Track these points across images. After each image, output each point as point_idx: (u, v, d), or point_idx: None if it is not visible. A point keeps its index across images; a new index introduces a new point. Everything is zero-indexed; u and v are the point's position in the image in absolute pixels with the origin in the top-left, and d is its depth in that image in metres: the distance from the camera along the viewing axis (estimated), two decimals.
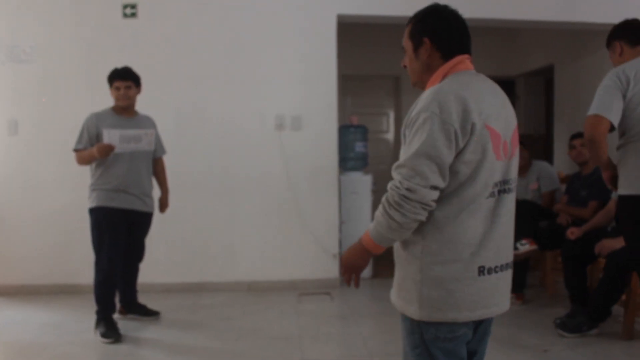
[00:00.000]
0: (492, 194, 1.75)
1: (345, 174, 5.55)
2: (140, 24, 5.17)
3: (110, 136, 3.88)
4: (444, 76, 1.81)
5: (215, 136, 5.23)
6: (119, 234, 4.04)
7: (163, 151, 4.40)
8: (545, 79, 8.47)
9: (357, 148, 5.58)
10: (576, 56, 6.79)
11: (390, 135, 8.71)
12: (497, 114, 1.78)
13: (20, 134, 5.20)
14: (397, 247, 1.87)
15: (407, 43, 1.92)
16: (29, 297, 5.01)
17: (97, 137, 3.98)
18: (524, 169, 5.16)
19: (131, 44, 5.16)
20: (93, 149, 3.88)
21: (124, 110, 4.10)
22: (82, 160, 4.00)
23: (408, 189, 1.65)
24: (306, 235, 5.27)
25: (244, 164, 5.24)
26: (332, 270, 5.32)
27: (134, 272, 4.35)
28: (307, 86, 5.25)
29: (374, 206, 5.69)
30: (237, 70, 5.23)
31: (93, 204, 4.02)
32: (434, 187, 1.66)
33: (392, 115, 8.79)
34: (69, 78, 5.18)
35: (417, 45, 1.88)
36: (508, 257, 1.84)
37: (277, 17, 5.24)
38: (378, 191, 6.06)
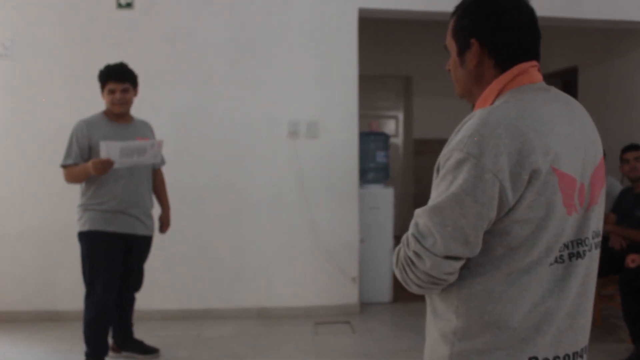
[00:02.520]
0: (558, 260, 1.28)
1: (365, 186, 4.99)
2: (137, 15, 4.57)
3: (109, 149, 3.23)
4: (499, 93, 1.34)
5: (221, 145, 4.65)
6: (116, 264, 3.46)
7: (162, 161, 3.81)
8: (563, 81, 7.97)
9: (378, 158, 5.02)
10: (603, 58, 6.28)
11: (399, 140, 8.18)
12: (573, 149, 1.29)
13: None
14: (427, 307, 1.42)
15: (450, 42, 1.43)
16: (5, 326, 4.42)
17: (90, 150, 3.38)
18: None
19: (126, 38, 4.56)
20: (87, 165, 3.27)
21: (119, 116, 3.50)
22: (74, 178, 3.39)
23: (415, 253, 1.27)
24: (322, 256, 4.71)
25: (253, 176, 4.67)
26: (351, 295, 4.76)
27: (130, 303, 3.76)
28: (325, 89, 4.68)
29: (397, 223, 5.14)
30: (246, 70, 4.65)
31: (85, 227, 3.41)
32: (453, 258, 1.24)
33: (401, 118, 8.26)
34: (52, 77, 4.58)
35: (462, 48, 1.40)
36: (577, 343, 1.32)
37: (291, 10, 4.67)
38: (401, 206, 5.51)
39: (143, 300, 4.08)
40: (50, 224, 4.50)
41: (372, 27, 5.91)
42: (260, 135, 4.66)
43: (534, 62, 1.37)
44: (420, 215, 1.28)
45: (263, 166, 4.67)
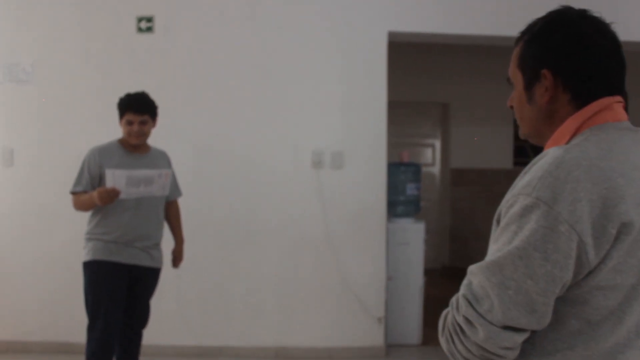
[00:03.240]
0: None
1: (393, 220, 4.70)
2: (157, 40, 4.44)
3: (115, 178, 3.14)
4: (576, 132, 1.12)
5: (241, 174, 4.44)
6: (120, 295, 3.29)
7: (179, 193, 3.64)
8: None
9: (408, 190, 4.73)
10: None
11: (436, 169, 7.86)
12: None
13: (16, 165, 4.51)
14: None
15: (514, 74, 1.21)
16: (19, 357, 4.27)
17: (100, 178, 3.26)
18: None
19: (146, 63, 4.43)
20: (94, 194, 3.16)
21: (135, 146, 3.37)
22: (81, 206, 3.29)
23: (466, 319, 1.04)
24: (346, 294, 4.42)
25: (274, 207, 4.43)
26: (376, 336, 4.45)
27: (137, 340, 3.53)
28: (351, 116, 4.44)
29: (427, 259, 4.82)
30: (268, 96, 4.45)
31: (88, 257, 3.28)
32: (513, 329, 1.01)
33: (438, 146, 7.95)
34: (74, 101, 4.49)
35: (531, 80, 1.19)
36: None
37: (316, 34, 4.46)
38: (435, 240, 5.19)
39: (154, 334, 3.84)
40: (69, 252, 4.31)
41: (407, 51, 5.68)
42: (282, 164, 4.44)
43: (619, 97, 1.14)
44: (474, 273, 1.05)
45: (285, 198, 4.43)
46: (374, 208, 4.43)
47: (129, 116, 3.27)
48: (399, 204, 4.74)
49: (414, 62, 6.90)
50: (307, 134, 4.44)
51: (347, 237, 4.43)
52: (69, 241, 4.23)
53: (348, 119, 4.44)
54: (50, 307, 4.43)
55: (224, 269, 4.44)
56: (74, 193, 3.30)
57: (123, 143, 3.36)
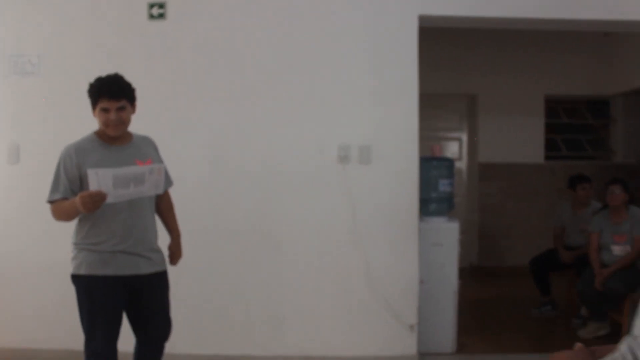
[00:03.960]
0: None
1: (425, 219, 4.36)
2: (170, 27, 4.13)
3: (99, 179, 2.64)
4: None
5: (260, 170, 4.13)
6: (117, 311, 2.93)
7: (169, 182, 3.19)
8: None
9: (441, 187, 4.38)
10: None
11: (462, 164, 7.51)
12: None
13: (22, 161, 4.24)
14: None
15: None
16: None
17: (81, 181, 2.82)
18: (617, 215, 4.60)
19: (158, 51, 4.13)
20: (75, 200, 2.70)
21: (115, 138, 2.93)
22: (62, 215, 2.85)
23: None
24: (376, 299, 4.10)
25: (297, 207, 4.12)
26: (408, 344, 4.12)
27: (158, 356, 3.15)
28: (380, 108, 4.12)
29: (461, 260, 4.48)
30: (290, 86, 4.13)
31: (80, 270, 2.89)
32: None
33: (465, 139, 7.61)
34: (82, 93, 4.06)
35: None
36: None
37: (341, 19, 4.13)
38: (465, 241, 4.86)
39: (169, 342, 3.50)
40: None
41: (432, 41, 5.34)
42: (305, 160, 4.12)
43: None
44: None
45: (308, 196, 4.11)
46: (405, 206, 4.10)
47: (103, 103, 2.82)
48: (431, 202, 4.39)
49: (439, 52, 6.56)
50: (332, 127, 4.11)
51: (376, 238, 4.11)
52: None
53: (376, 110, 4.11)
54: (58, 314, 4.13)
55: (244, 273, 4.13)
56: (51, 202, 2.87)
57: (100, 135, 2.93)
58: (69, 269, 4.00)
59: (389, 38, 4.10)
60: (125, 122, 2.90)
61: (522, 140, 7.20)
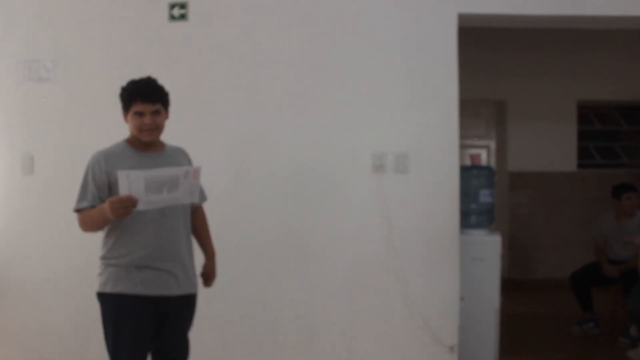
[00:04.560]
0: None
1: (465, 232, 4.08)
2: (192, 29, 3.89)
3: (130, 181, 2.44)
4: None
5: (288, 181, 3.87)
6: (145, 331, 2.69)
7: (203, 197, 2.98)
8: None
9: (481, 197, 4.11)
10: None
11: None
12: None
13: (36, 173, 4.02)
14: None
15: None
16: None
17: (110, 188, 2.63)
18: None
19: (179, 55, 3.90)
20: (104, 206, 2.51)
21: (148, 144, 2.74)
22: (90, 224, 2.67)
23: None
24: (412, 318, 3.82)
25: (328, 219, 3.85)
26: None
27: None
28: (417, 113, 3.85)
29: (504, 277, 4.19)
30: (320, 91, 3.87)
31: (105, 288, 2.68)
32: None
33: (493, 147, 7.34)
34: (100, 100, 3.97)
35: None
36: None
37: (374, 18, 3.87)
38: (507, 256, 4.57)
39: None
40: (95, 268, 3.81)
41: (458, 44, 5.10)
42: (337, 169, 3.85)
43: None
44: None
45: (341, 208, 3.85)
46: (445, 218, 3.82)
47: (137, 107, 2.65)
48: (471, 214, 4.12)
49: (466, 55, 6.26)
50: (366, 134, 3.84)
51: (414, 253, 3.83)
52: (96, 256, 3.68)
53: (413, 115, 3.84)
54: (77, 328, 3.94)
55: (271, 291, 3.87)
56: (78, 211, 2.68)
57: (132, 142, 2.74)
58: (87, 279, 3.79)
59: (426, 38, 3.84)
60: (159, 127, 2.72)
61: (553, 148, 6.93)
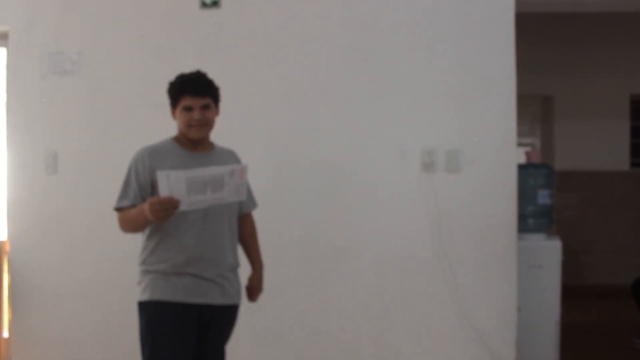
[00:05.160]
0: None
1: (522, 237, 3.74)
2: (225, 16, 3.64)
3: (171, 182, 2.24)
4: None
5: (329, 182, 3.59)
6: (186, 345, 2.46)
7: (254, 204, 2.78)
8: None
9: (539, 199, 3.77)
10: None
11: None
12: None
13: (60, 172, 3.79)
14: None
15: None
16: None
17: (152, 188, 2.43)
18: None
19: (212, 44, 3.65)
20: (144, 207, 2.31)
21: (197, 142, 2.54)
22: (129, 225, 2.48)
23: None
24: (465, 330, 3.50)
25: (373, 222, 3.56)
26: None
27: None
28: (470, 106, 3.52)
29: (565, 287, 3.84)
30: (364, 82, 3.58)
31: (145, 297, 2.48)
32: None
33: (539, 145, 6.96)
34: (128, 94, 3.76)
35: None
36: None
37: (424, 4, 3.56)
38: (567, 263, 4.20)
39: None
40: (126, 271, 3.49)
41: None
42: (383, 167, 3.56)
43: None
44: None
45: (387, 209, 3.54)
46: (501, 221, 3.49)
47: (186, 101, 2.46)
48: (527, 216, 3.78)
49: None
50: (414, 129, 3.54)
51: (467, 259, 3.51)
52: (122, 259, 3.46)
53: (466, 109, 3.52)
54: (104, 334, 3.72)
55: (312, 300, 3.59)
56: (119, 209, 2.50)
57: (180, 140, 2.55)
58: (113, 283, 3.65)
59: (481, 25, 3.51)
60: (209, 123, 2.53)
61: (604, 146, 6.56)
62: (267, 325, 3.56)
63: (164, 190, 2.24)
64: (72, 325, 3.74)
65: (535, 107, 6.91)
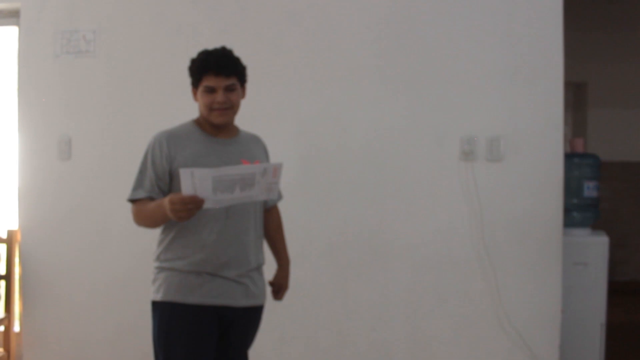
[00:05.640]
0: None
1: (565, 231, 3.46)
2: None
3: (195, 181, 1.98)
4: None
5: (362, 168, 3.34)
6: (204, 349, 2.22)
7: (279, 196, 2.52)
8: None
9: (585, 191, 3.51)
10: None
11: None
12: None
13: (74, 158, 3.60)
14: None
15: None
16: None
17: (172, 177, 2.20)
18: None
19: (237, 21, 3.40)
20: (164, 204, 2.05)
21: (220, 127, 2.29)
22: (145, 220, 2.23)
23: None
24: (506, 332, 3.25)
25: (408, 216, 3.31)
26: None
27: None
28: (514, 90, 3.25)
29: (611, 286, 3.58)
30: (400, 63, 3.31)
31: (159, 296, 2.24)
32: None
33: (569, 133, 6.65)
34: (146, 75, 3.55)
35: None
36: None
37: None
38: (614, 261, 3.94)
39: None
40: (144, 268, 3.31)
41: None
42: (419, 156, 3.30)
43: None
44: None
45: (423, 201, 3.29)
46: (546, 215, 3.22)
47: (209, 80, 2.19)
48: (572, 210, 3.51)
49: None
50: (453, 115, 3.27)
51: (509, 255, 3.25)
52: (140, 254, 3.24)
53: (509, 93, 3.25)
54: (118, 334, 3.53)
55: (341, 299, 3.36)
56: (133, 201, 2.24)
57: (201, 124, 2.30)
58: (130, 282, 3.43)
59: (526, 2, 3.23)
60: (234, 107, 2.26)
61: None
62: (293, 326, 3.34)
63: (187, 189, 1.98)
64: (85, 322, 3.57)
65: (567, 94, 6.58)
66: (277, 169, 2.11)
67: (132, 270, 3.44)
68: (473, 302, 3.27)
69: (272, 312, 2.80)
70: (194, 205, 1.99)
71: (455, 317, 3.28)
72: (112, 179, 3.50)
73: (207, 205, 2.01)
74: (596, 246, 3.48)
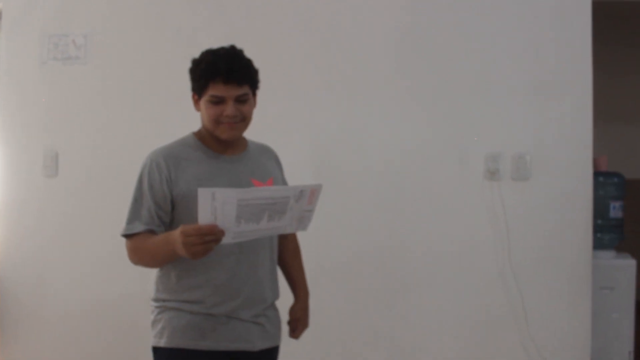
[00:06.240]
0: None
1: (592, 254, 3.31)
2: None
3: (216, 205, 1.57)
4: None
5: (379, 186, 3.14)
6: None
7: None
8: None
9: (611, 212, 3.35)
10: None
11: None
12: None
13: (61, 174, 3.36)
14: None
15: None
16: None
17: (173, 204, 1.86)
18: None
19: (243, 26, 3.18)
20: (172, 238, 1.68)
21: (227, 143, 1.95)
22: (145, 258, 1.86)
23: None
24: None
25: (429, 235, 3.11)
26: None
27: None
28: (540, 107, 3.07)
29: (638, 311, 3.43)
30: (421, 77, 3.13)
31: (162, 342, 1.89)
32: None
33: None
34: (141, 84, 3.31)
35: None
36: None
37: None
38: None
39: None
40: (132, 296, 3.14)
41: None
42: (440, 174, 3.11)
43: None
44: None
45: (445, 222, 3.10)
46: (574, 236, 3.03)
47: (217, 89, 1.83)
48: (597, 231, 3.35)
49: None
50: (477, 132, 3.08)
51: (536, 280, 3.05)
52: (134, 281, 2.95)
53: (536, 109, 3.07)
54: None
55: (358, 328, 3.13)
56: (128, 236, 1.87)
57: (203, 138, 1.95)
58: (123, 308, 3.14)
59: (555, 15, 3.07)
60: (246, 120, 1.91)
61: None
62: (313, 348, 3.06)
63: (205, 215, 1.58)
64: (71, 350, 3.29)
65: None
66: (314, 193, 1.77)
67: (125, 298, 3.19)
68: (498, 329, 3.07)
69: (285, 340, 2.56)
70: (213, 237, 1.59)
71: (479, 343, 3.08)
72: (102, 199, 3.26)
73: (226, 239, 1.61)
74: (624, 269, 3.34)
